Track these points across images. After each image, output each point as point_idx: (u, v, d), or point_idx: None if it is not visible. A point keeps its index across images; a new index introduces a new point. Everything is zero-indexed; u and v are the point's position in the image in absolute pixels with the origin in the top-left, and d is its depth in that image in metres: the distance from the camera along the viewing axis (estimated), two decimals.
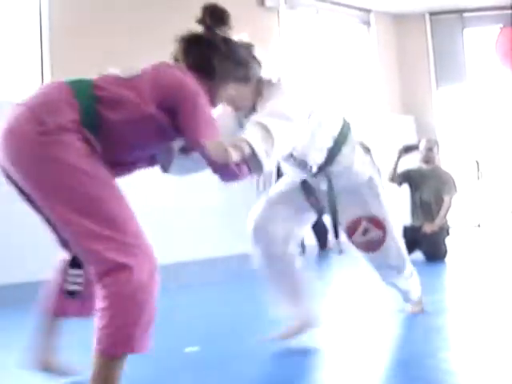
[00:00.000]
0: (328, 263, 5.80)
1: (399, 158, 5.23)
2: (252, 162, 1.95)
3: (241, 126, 2.28)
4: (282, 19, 7.46)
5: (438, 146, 5.47)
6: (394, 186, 5.35)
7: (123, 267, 1.70)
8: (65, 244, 2.00)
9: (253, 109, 2.22)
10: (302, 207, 2.57)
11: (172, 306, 3.67)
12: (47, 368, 2.12)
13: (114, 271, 1.70)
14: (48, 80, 5.24)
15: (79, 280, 2.09)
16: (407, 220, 5.39)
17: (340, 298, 3.74)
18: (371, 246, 2.60)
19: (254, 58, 2.23)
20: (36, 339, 2.11)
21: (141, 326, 1.72)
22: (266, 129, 1.99)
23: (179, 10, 5.55)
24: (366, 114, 8.12)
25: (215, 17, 2.08)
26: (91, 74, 1.92)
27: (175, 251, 5.75)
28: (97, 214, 1.72)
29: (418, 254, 5.14)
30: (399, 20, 8.54)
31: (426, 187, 5.27)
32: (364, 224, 2.54)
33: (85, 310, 2.11)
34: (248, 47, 2.19)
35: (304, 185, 2.54)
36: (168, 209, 5.88)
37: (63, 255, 2.09)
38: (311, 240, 6.08)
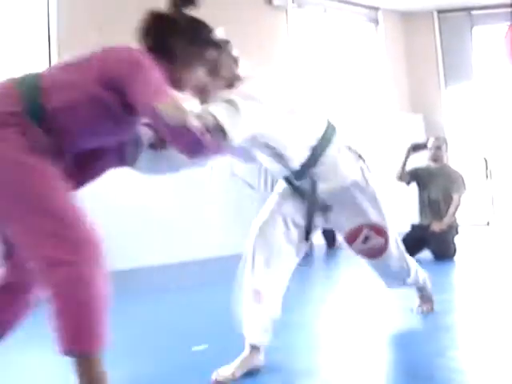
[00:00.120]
0: (336, 262, 5.80)
1: (407, 156, 5.21)
2: (217, 135, 1.88)
3: None
4: (289, 18, 7.45)
5: (446, 144, 5.45)
6: (403, 184, 5.34)
7: (65, 264, 1.65)
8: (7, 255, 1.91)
9: None
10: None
11: (177, 306, 3.68)
12: None
13: (56, 268, 1.66)
14: None
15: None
16: (415, 219, 5.37)
17: (348, 296, 3.73)
18: (373, 253, 2.55)
19: (228, 52, 2.20)
20: None
21: (90, 320, 1.68)
22: (232, 103, 1.96)
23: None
24: (374, 113, 8.09)
25: None
26: None
27: (179, 250, 5.77)
28: (36, 208, 1.68)
29: (427, 253, 5.12)
30: (407, 18, 8.51)
31: (435, 186, 5.25)
32: (365, 232, 2.47)
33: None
34: (223, 41, 2.14)
35: (296, 189, 2.40)
36: (171, 208, 5.88)
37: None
38: (319, 239, 6.08)
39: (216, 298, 3.74)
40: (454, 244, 5.14)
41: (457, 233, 5.24)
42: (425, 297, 2.97)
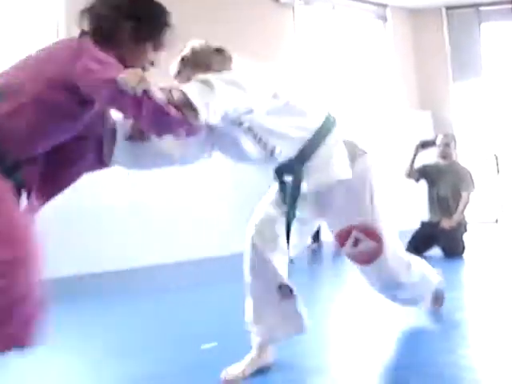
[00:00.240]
0: (344, 259, 5.78)
1: (416, 153, 5.19)
2: (187, 112, 1.79)
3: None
4: (296, 15, 7.43)
5: (455, 141, 5.43)
6: (411, 181, 5.32)
7: None
8: None
9: None
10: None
11: (186, 304, 3.68)
12: None
13: None
14: None
15: None
16: (425, 216, 5.35)
17: (357, 294, 3.72)
18: (364, 258, 2.35)
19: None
20: None
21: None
22: (207, 83, 1.87)
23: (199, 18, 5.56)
24: (382, 110, 8.07)
25: None
26: None
27: (186, 249, 5.78)
28: None
29: (436, 250, 5.11)
30: (415, 14, 8.48)
31: (443, 183, 5.23)
32: (354, 234, 2.29)
33: None
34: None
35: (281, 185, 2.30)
36: (181, 206, 5.89)
37: None
38: (328, 236, 6.06)
39: (225, 296, 3.75)
40: (462, 241, 5.12)
41: (465, 230, 5.22)
42: (435, 294, 2.90)
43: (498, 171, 8.35)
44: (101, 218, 5.45)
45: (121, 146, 2.03)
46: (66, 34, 5.27)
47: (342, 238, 2.33)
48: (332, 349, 2.61)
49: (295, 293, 2.28)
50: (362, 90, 8.11)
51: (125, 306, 3.69)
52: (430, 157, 5.42)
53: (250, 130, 2.12)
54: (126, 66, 1.77)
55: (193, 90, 1.84)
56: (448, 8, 8.51)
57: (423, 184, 5.36)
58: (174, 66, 2.21)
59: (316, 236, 5.87)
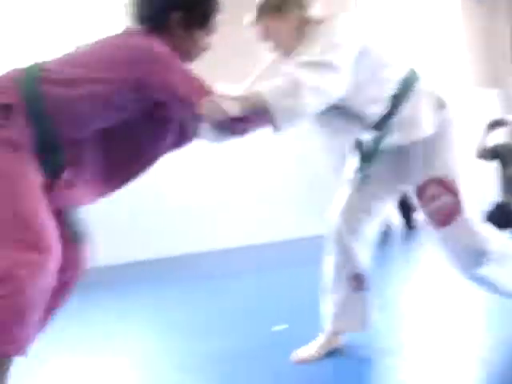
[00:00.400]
0: (414, 242, 5.70)
1: (487, 133, 5.05)
2: (268, 116, 1.78)
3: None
4: None
5: None
6: (483, 162, 5.19)
7: (3, 259, 1.64)
8: None
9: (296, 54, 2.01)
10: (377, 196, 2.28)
11: (258, 287, 3.74)
12: None
13: None
14: None
15: None
16: (496, 197, 5.21)
17: (428, 277, 3.68)
18: (442, 217, 2.12)
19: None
20: None
21: (5, 322, 1.64)
22: (295, 82, 1.80)
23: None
24: (449, 88, 7.87)
25: None
26: None
27: (254, 233, 5.83)
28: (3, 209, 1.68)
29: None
30: None
31: None
32: (432, 187, 2.12)
33: None
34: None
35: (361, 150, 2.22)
36: (248, 190, 5.93)
37: None
38: (396, 219, 5.99)
39: (295, 279, 3.79)
40: None
41: None
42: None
43: None
44: (157, 202, 5.55)
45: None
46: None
47: (421, 193, 2.16)
48: (403, 330, 2.61)
49: (367, 286, 2.27)
50: (427, 67, 7.93)
51: (197, 290, 3.78)
52: (501, 136, 5.26)
53: (340, 107, 2.03)
54: (179, 54, 1.82)
55: (275, 94, 1.80)
56: None
57: (495, 165, 5.22)
58: (249, 15, 2.11)
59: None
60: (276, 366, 2.19)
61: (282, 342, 2.44)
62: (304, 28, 2.05)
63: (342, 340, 2.30)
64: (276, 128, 1.81)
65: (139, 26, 1.88)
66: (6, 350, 1.66)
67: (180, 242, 5.51)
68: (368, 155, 2.18)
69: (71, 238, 1.95)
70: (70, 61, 1.81)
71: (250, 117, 1.79)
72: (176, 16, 1.86)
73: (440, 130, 2.13)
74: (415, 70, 2.16)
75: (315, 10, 2.10)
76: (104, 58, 1.80)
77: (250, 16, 2.10)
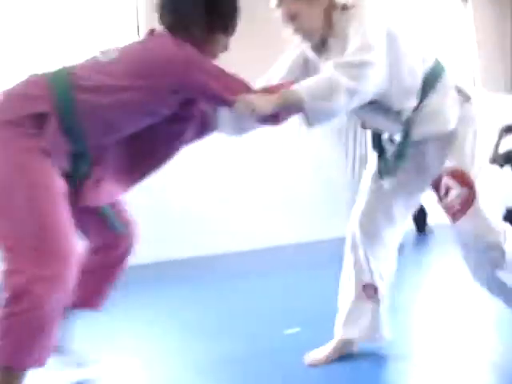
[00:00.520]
0: (427, 247, 5.69)
1: (501, 138, 5.04)
2: (302, 114, 1.81)
3: (306, 65, 2.12)
4: None
5: None
6: (496, 167, 5.17)
7: (21, 272, 1.66)
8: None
9: (321, 42, 2.02)
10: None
11: (270, 289, 3.75)
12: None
13: (13, 274, 1.67)
14: None
15: None
16: (510, 203, 5.20)
17: (440, 283, 3.68)
18: (456, 207, 2.04)
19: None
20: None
21: (25, 337, 1.67)
22: (332, 84, 1.79)
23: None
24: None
25: None
26: None
27: (270, 235, 5.83)
28: (26, 217, 1.70)
29: None
30: None
31: None
32: (445, 180, 2.05)
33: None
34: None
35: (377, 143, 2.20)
36: (262, 193, 5.93)
37: None
38: (409, 223, 5.96)
39: (309, 282, 3.79)
40: None
41: None
42: None
43: None
44: (168, 203, 5.56)
45: (223, 116, 2.03)
46: (146, 25, 5.41)
47: (436, 187, 2.10)
48: (415, 336, 2.61)
49: (378, 298, 2.23)
50: None
51: (209, 291, 3.79)
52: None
53: (372, 101, 1.99)
54: (206, 54, 1.89)
55: (311, 95, 1.80)
56: None
57: (508, 170, 5.20)
58: None
59: None
60: (287, 368, 2.20)
61: (294, 344, 2.45)
62: (331, 13, 1.99)
63: (354, 346, 2.29)
64: (309, 126, 1.82)
65: (163, 29, 1.93)
66: (23, 364, 1.70)
67: (193, 244, 5.52)
68: (401, 152, 2.11)
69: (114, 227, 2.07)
70: (96, 67, 1.84)
71: (282, 113, 1.84)
72: (200, 19, 1.91)
73: (461, 124, 2.08)
74: (441, 61, 2.12)
75: None
76: (132, 65, 1.82)
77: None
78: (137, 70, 1.80)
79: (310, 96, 1.79)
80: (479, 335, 2.52)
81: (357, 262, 2.23)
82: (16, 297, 1.65)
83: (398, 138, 2.14)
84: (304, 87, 1.82)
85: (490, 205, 2.07)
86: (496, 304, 2.65)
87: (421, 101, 2.03)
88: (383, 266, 2.25)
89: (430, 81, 2.05)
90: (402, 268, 3.39)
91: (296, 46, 2.14)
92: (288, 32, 2.03)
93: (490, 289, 2.13)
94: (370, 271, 2.22)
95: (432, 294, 3.40)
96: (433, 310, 2.99)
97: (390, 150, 2.18)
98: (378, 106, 2.01)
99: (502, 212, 5.13)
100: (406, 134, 2.07)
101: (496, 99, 7.97)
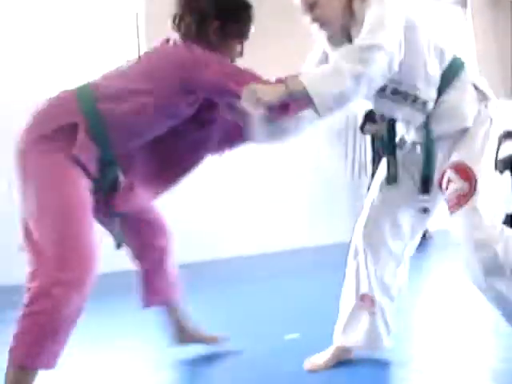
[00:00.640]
0: (426, 252, 5.69)
1: (500, 144, 5.03)
2: (308, 102, 1.79)
3: (327, 59, 2.08)
4: None
5: None
6: (496, 173, 5.17)
7: (43, 276, 1.77)
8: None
9: (344, 32, 2.00)
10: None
11: (269, 294, 3.75)
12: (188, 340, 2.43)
13: (35, 278, 1.79)
14: None
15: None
16: (510, 208, 5.20)
17: (440, 288, 3.67)
18: (454, 200, 1.97)
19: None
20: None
21: (41, 338, 1.75)
22: (336, 69, 1.78)
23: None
24: None
25: None
26: None
27: (267, 240, 5.82)
28: (54, 223, 1.81)
29: None
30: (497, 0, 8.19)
31: None
32: (448, 173, 2.00)
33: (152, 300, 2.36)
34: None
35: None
36: (261, 197, 5.93)
37: None
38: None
39: (308, 287, 3.79)
40: None
41: None
42: None
43: None
44: (175, 209, 5.57)
45: (256, 123, 2.01)
46: (146, 34, 5.43)
47: (440, 180, 2.04)
48: (414, 342, 2.60)
49: (377, 308, 2.19)
50: None
51: (210, 296, 3.79)
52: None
53: (395, 91, 1.99)
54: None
55: (314, 80, 1.79)
56: None
57: (508, 176, 5.21)
58: None
59: None
60: (286, 373, 2.19)
61: (293, 350, 2.44)
62: (351, 2, 1.97)
63: (352, 354, 2.27)
64: (318, 114, 1.81)
65: (178, 37, 2.00)
66: (35, 364, 1.77)
67: (191, 248, 5.51)
68: (428, 151, 2.07)
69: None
70: (115, 74, 1.97)
71: (290, 103, 1.85)
72: (213, 26, 1.98)
73: (475, 122, 2.04)
74: (460, 58, 2.09)
75: None
76: (145, 70, 1.93)
77: None
78: (151, 73, 1.90)
79: (313, 82, 1.78)
80: (479, 341, 2.51)
81: (357, 272, 2.21)
82: (36, 297, 1.74)
83: (411, 136, 2.12)
84: (308, 74, 1.83)
85: (490, 207, 1.99)
86: (496, 310, 2.65)
87: (439, 96, 2.01)
88: (388, 277, 2.20)
89: (449, 76, 2.02)
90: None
91: (319, 42, 2.12)
92: (306, 21, 2.01)
93: (487, 298, 2.04)
94: (369, 282, 2.18)
95: (432, 299, 3.39)
96: (433, 315, 2.98)
97: (399, 154, 2.16)
98: (405, 95, 1.99)
99: (501, 218, 5.13)
100: (428, 132, 2.04)
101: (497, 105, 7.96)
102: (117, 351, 2.61)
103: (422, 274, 4.38)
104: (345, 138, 6.15)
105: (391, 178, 2.16)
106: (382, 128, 2.23)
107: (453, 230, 2.01)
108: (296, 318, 3.00)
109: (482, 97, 2.07)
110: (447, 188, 1.99)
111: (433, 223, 2.45)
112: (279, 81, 1.84)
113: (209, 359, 2.43)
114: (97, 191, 1.93)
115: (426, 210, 2.18)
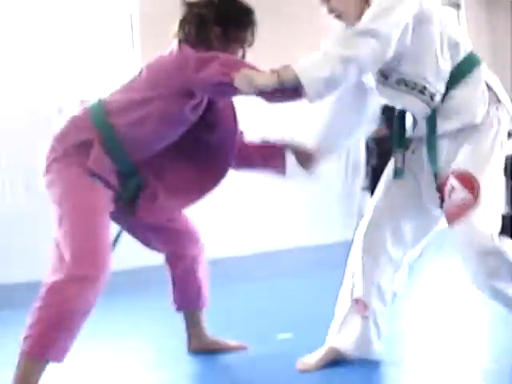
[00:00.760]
0: (420, 255, 5.68)
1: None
2: (299, 88, 1.82)
3: None
4: None
5: None
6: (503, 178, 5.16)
7: (59, 271, 1.86)
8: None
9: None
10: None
11: (263, 294, 3.74)
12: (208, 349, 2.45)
13: (52, 274, 1.88)
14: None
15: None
16: (505, 209, 5.20)
17: (433, 289, 3.68)
18: (454, 210, 1.93)
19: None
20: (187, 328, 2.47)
21: (53, 330, 1.82)
22: (325, 54, 1.82)
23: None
24: None
25: None
26: None
27: (265, 240, 5.81)
28: (72, 224, 1.92)
29: None
30: (490, 1, 8.21)
31: None
32: (450, 181, 1.94)
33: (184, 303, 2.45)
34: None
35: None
36: (258, 195, 5.91)
37: None
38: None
39: (302, 287, 3.78)
40: None
41: None
42: None
43: None
44: None
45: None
46: (140, 35, 5.43)
47: (442, 188, 1.98)
48: (406, 342, 2.61)
49: (370, 313, 2.17)
50: None
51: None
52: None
53: (401, 81, 1.97)
54: None
55: (303, 66, 1.83)
56: None
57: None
58: None
59: None
60: (279, 373, 2.20)
61: (286, 350, 2.44)
62: None
63: (344, 355, 2.25)
64: (308, 99, 1.84)
65: (180, 43, 2.04)
66: (43, 354, 1.83)
67: None
68: (430, 145, 2.02)
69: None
70: (121, 90, 2.05)
71: (283, 89, 1.87)
72: (214, 31, 2.03)
73: (484, 123, 1.97)
74: (476, 55, 2.03)
75: None
76: (148, 78, 2.01)
77: None
78: (153, 81, 1.98)
79: (304, 68, 1.82)
80: (473, 341, 2.52)
81: (353, 275, 2.19)
82: (51, 291, 1.83)
83: (416, 132, 2.10)
84: (300, 62, 1.86)
85: (491, 217, 1.98)
86: (489, 310, 2.67)
87: (448, 91, 1.97)
88: (385, 283, 2.18)
89: (461, 71, 1.98)
90: None
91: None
92: (324, 11, 2.01)
93: (490, 297, 2.05)
94: (363, 287, 2.16)
95: (425, 300, 3.40)
96: (426, 316, 2.98)
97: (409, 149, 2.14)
98: (412, 85, 1.96)
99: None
100: (433, 125, 2.00)
101: None
102: (117, 351, 2.61)
103: (414, 274, 4.38)
104: None
105: (398, 172, 2.12)
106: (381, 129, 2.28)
107: (451, 239, 2.00)
108: (291, 317, 3.00)
109: (494, 98, 2.00)
110: (450, 196, 1.95)
111: None
112: (273, 71, 1.88)
113: (201, 360, 2.43)
114: (118, 201, 2.04)
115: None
